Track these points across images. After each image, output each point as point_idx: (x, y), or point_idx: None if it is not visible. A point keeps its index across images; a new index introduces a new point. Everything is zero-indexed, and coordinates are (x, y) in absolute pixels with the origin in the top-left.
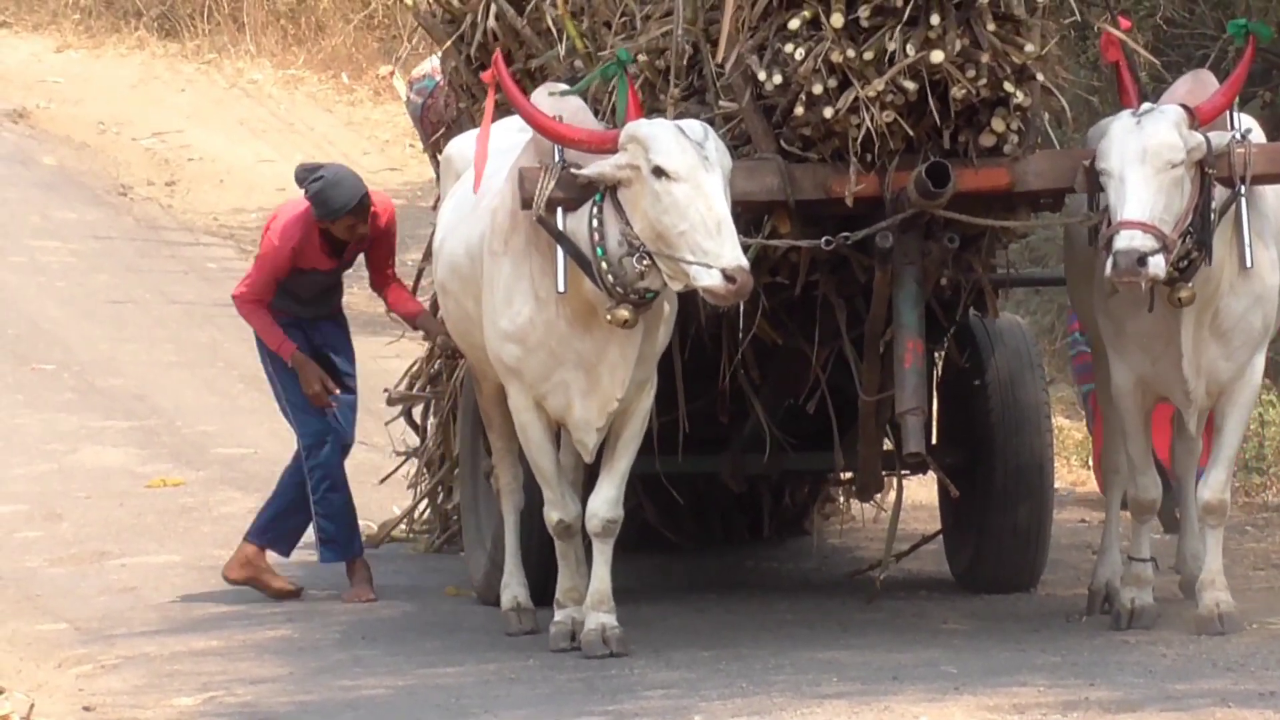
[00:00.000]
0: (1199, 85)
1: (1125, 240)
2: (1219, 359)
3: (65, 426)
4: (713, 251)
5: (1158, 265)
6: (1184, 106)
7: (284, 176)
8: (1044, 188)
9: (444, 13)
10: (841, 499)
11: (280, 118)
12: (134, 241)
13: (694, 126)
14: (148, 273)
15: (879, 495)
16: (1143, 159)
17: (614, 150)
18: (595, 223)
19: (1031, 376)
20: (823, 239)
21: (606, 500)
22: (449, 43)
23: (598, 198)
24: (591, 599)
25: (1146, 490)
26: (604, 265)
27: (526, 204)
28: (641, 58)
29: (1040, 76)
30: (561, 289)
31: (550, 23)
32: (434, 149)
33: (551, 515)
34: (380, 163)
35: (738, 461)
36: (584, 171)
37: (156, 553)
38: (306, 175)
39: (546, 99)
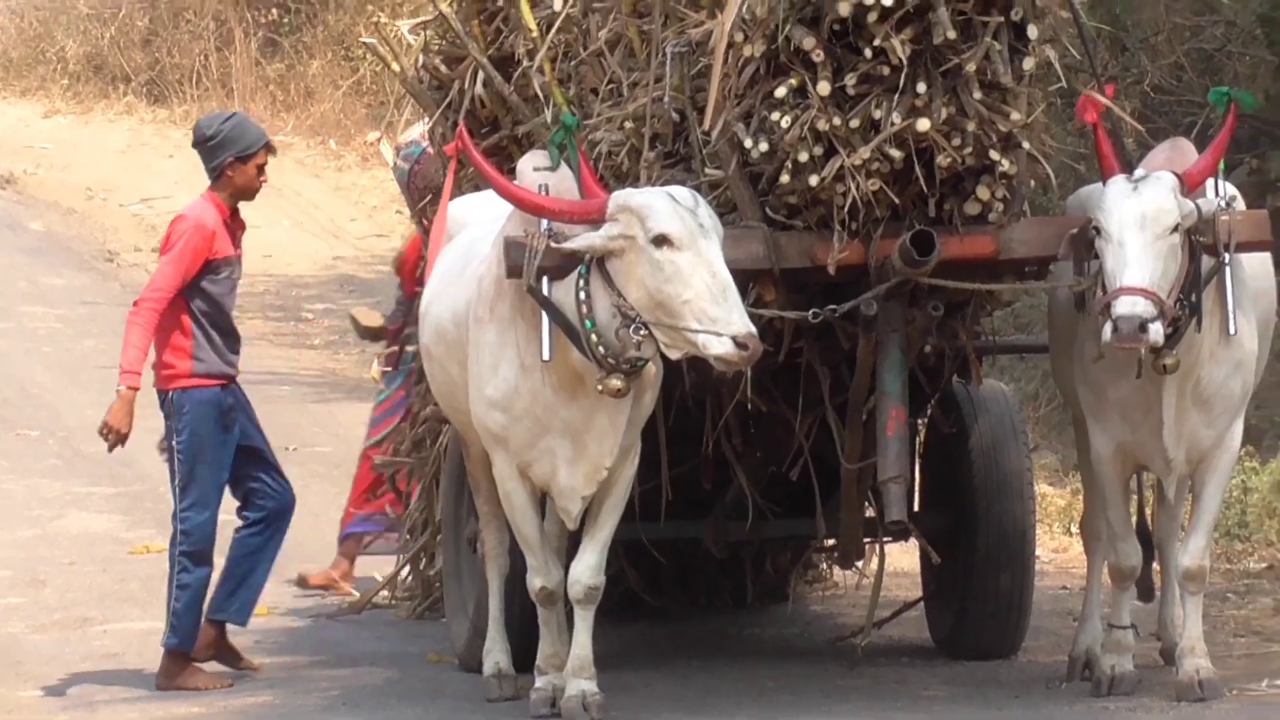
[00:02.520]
0: (1177, 152)
1: (1127, 306)
2: (1199, 426)
3: (50, 492)
4: (721, 319)
5: (1157, 332)
6: (1174, 173)
7: (270, 242)
8: (1029, 255)
9: (431, 79)
10: (824, 565)
11: (268, 183)
12: (121, 307)
13: (683, 193)
14: None
15: (861, 562)
16: (1142, 225)
17: (600, 220)
18: (582, 294)
19: (1014, 443)
20: (810, 312)
21: (589, 567)
22: (439, 111)
23: (583, 269)
24: (573, 665)
25: (1127, 557)
26: (594, 336)
27: (511, 272)
28: (628, 125)
29: (1026, 144)
30: (547, 356)
31: (537, 89)
32: (421, 215)
33: (534, 582)
34: (368, 229)
35: (720, 527)
36: (571, 244)
37: (140, 619)
38: (213, 123)
39: (533, 173)
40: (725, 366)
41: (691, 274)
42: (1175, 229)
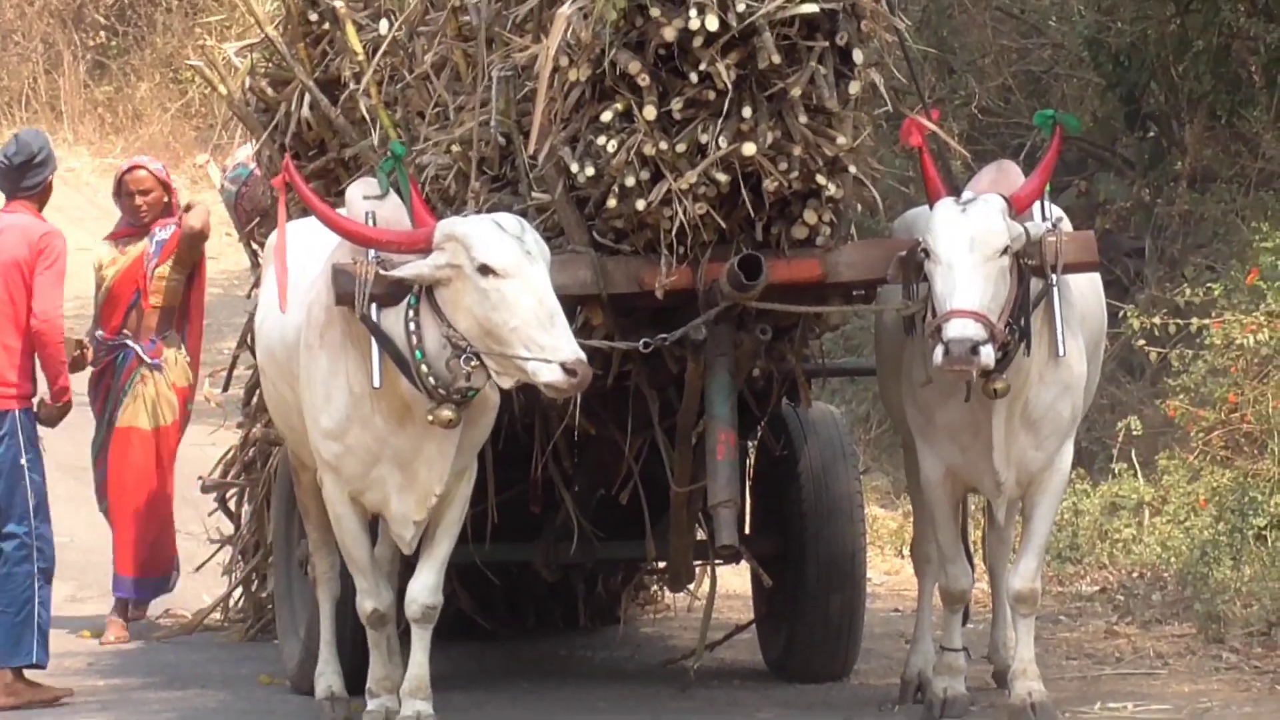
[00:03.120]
0: (1003, 175)
1: (958, 329)
2: (1029, 448)
3: None
4: (549, 345)
5: (989, 355)
6: (1002, 196)
7: None
8: (856, 278)
9: (258, 102)
10: (655, 588)
11: (98, 205)
12: None
13: (509, 220)
14: None
15: (692, 584)
16: (971, 247)
17: (427, 249)
18: (412, 324)
19: (844, 466)
20: (640, 341)
21: (426, 586)
22: (265, 134)
23: (412, 299)
24: (409, 685)
25: (957, 580)
26: (424, 367)
27: (340, 300)
28: (455, 148)
29: (853, 168)
30: (376, 384)
31: (364, 112)
32: (249, 237)
33: (365, 605)
34: None
35: (550, 550)
36: (398, 273)
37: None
38: (37, 139)
39: (361, 201)
40: (555, 393)
41: (518, 301)
42: (1004, 251)
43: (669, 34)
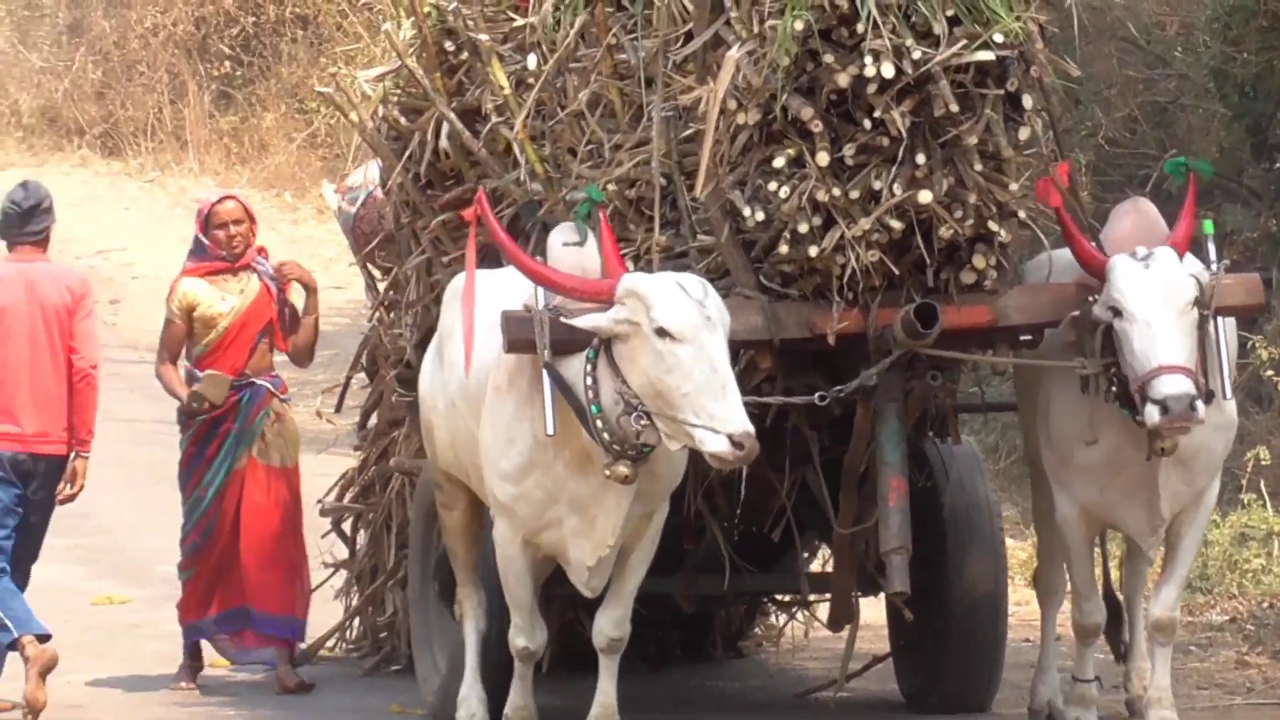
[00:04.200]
0: (1141, 214)
1: (1174, 385)
2: (1179, 484)
3: None
4: (719, 416)
5: (1202, 409)
6: (1171, 247)
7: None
8: (1025, 322)
9: (390, 130)
10: (775, 619)
11: None
12: None
13: (693, 283)
14: None
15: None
16: (1164, 301)
17: (609, 301)
18: (589, 379)
19: (985, 499)
20: (816, 395)
21: (612, 619)
22: (400, 163)
23: (591, 352)
24: (596, 713)
25: (1091, 615)
26: (598, 421)
27: (511, 347)
28: (611, 188)
29: (1022, 213)
30: (550, 431)
31: (513, 144)
32: (366, 259)
33: (518, 641)
34: (324, 280)
35: (690, 583)
36: (578, 322)
37: (100, 670)
38: (39, 189)
39: (561, 248)
40: (719, 464)
41: (693, 367)
42: (1194, 303)
43: (842, 80)
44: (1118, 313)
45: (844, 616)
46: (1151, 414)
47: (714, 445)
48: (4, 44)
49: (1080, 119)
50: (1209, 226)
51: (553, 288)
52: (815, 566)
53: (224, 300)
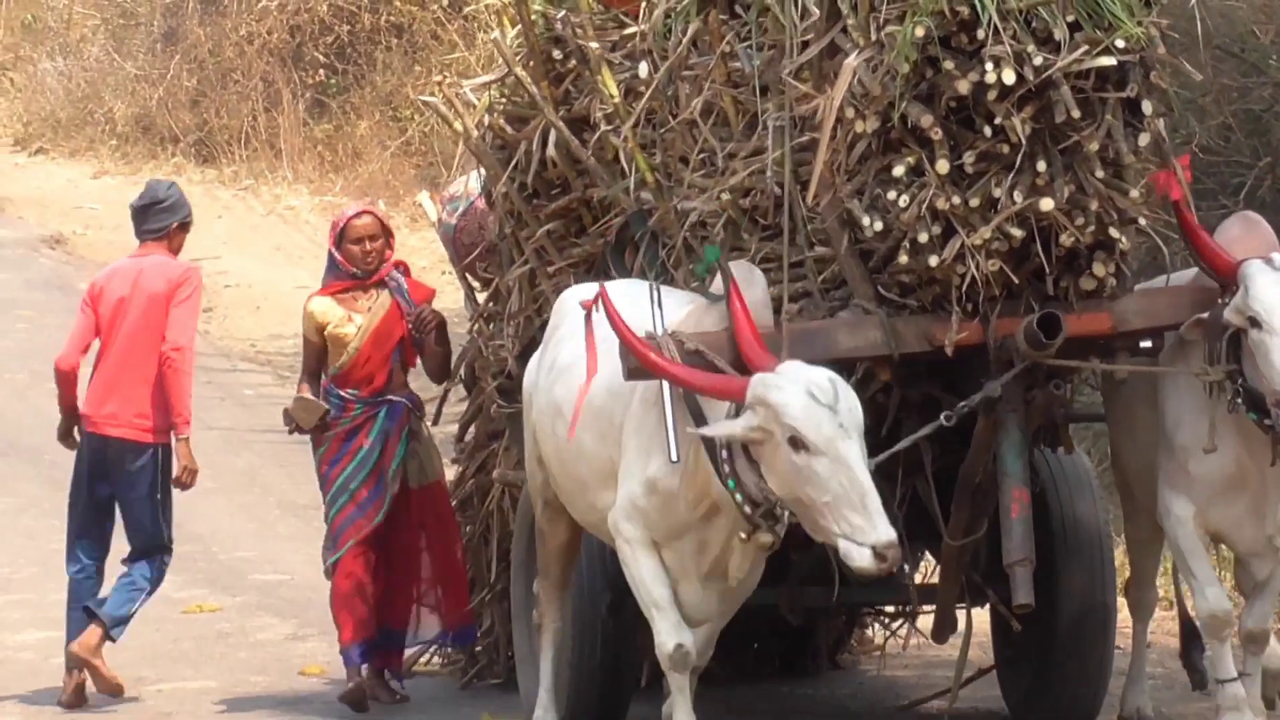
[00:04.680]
0: (1251, 227)
1: None
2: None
3: None
4: (861, 527)
5: None
6: None
7: None
8: (1145, 326)
9: (494, 139)
10: (872, 631)
11: (317, 244)
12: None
13: (823, 385)
14: None
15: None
16: None
17: (740, 400)
18: (725, 451)
19: (1095, 510)
20: (943, 415)
21: (699, 639)
22: (505, 172)
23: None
24: None
25: (1219, 602)
26: (738, 496)
27: (630, 374)
28: (725, 196)
29: (1142, 219)
30: (674, 458)
31: (621, 153)
32: (467, 269)
33: (667, 644)
34: None
35: (796, 594)
36: (709, 431)
37: (193, 679)
38: (161, 188)
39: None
40: (864, 575)
41: (829, 479)
42: None
43: (963, 87)
44: (1255, 323)
45: (949, 627)
46: None
47: (858, 559)
48: (99, 52)
49: (1175, 126)
50: None
51: (686, 386)
52: (916, 578)
53: (351, 320)
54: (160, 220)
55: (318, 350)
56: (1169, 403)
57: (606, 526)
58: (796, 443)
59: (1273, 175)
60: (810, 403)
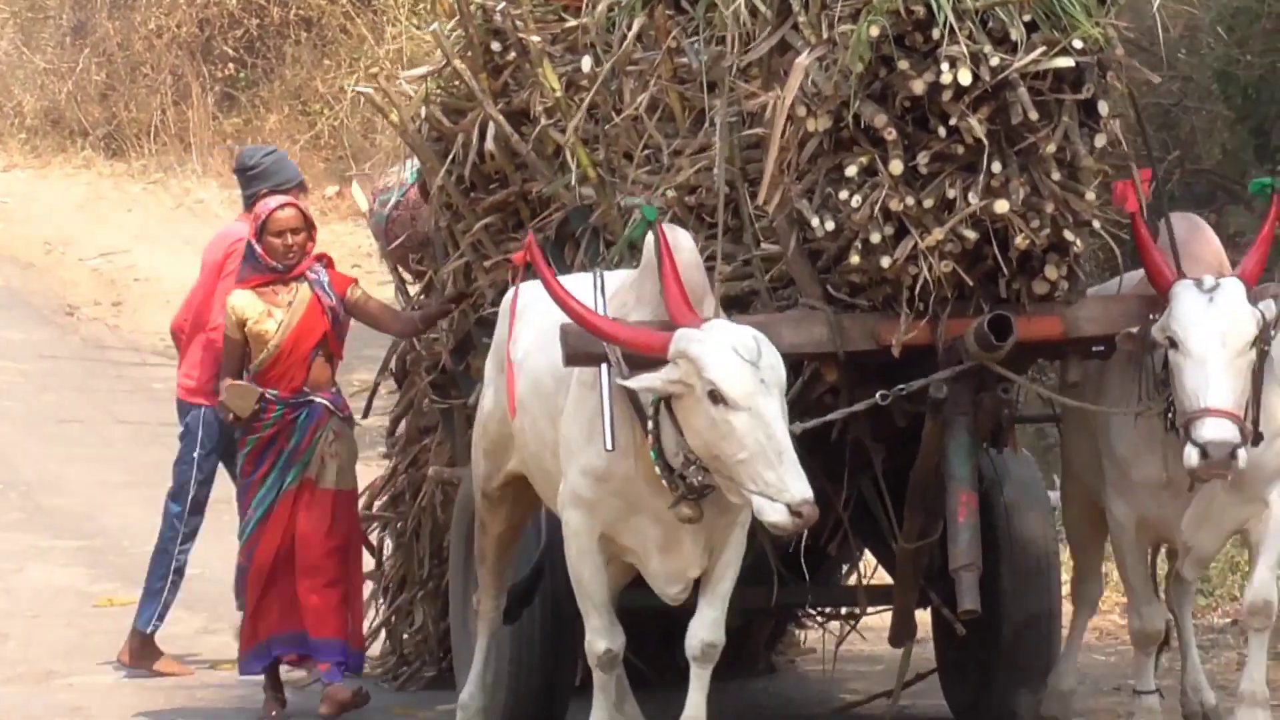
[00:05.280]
0: (1196, 232)
1: (1215, 430)
2: (1229, 505)
3: (12, 546)
4: (775, 484)
5: (1244, 458)
6: (1240, 278)
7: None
8: (1097, 333)
9: (431, 131)
10: (802, 633)
11: None
12: (81, 361)
13: (746, 342)
14: (94, 392)
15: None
16: (1223, 341)
17: (663, 358)
18: (651, 424)
19: (1039, 510)
20: (877, 394)
21: (707, 623)
22: (444, 165)
23: (654, 399)
24: None
25: (1151, 620)
26: (658, 466)
27: (569, 360)
28: (670, 194)
29: (1096, 223)
30: (608, 447)
31: (565, 148)
32: (399, 262)
33: (598, 645)
34: None
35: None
36: (630, 383)
37: (104, 673)
38: (254, 154)
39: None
40: (778, 532)
41: (747, 435)
42: (1253, 343)
43: (918, 87)
44: (1173, 343)
45: (906, 631)
46: (1190, 455)
47: (772, 515)
48: (8, 45)
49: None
50: None
51: (604, 338)
52: (851, 580)
53: (271, 315)
54: (245, 189)
55: (239, 346)
56: (1117, 423)
57: None
58: (716, 396)
59: (1181, 169)
60: (732, 357)
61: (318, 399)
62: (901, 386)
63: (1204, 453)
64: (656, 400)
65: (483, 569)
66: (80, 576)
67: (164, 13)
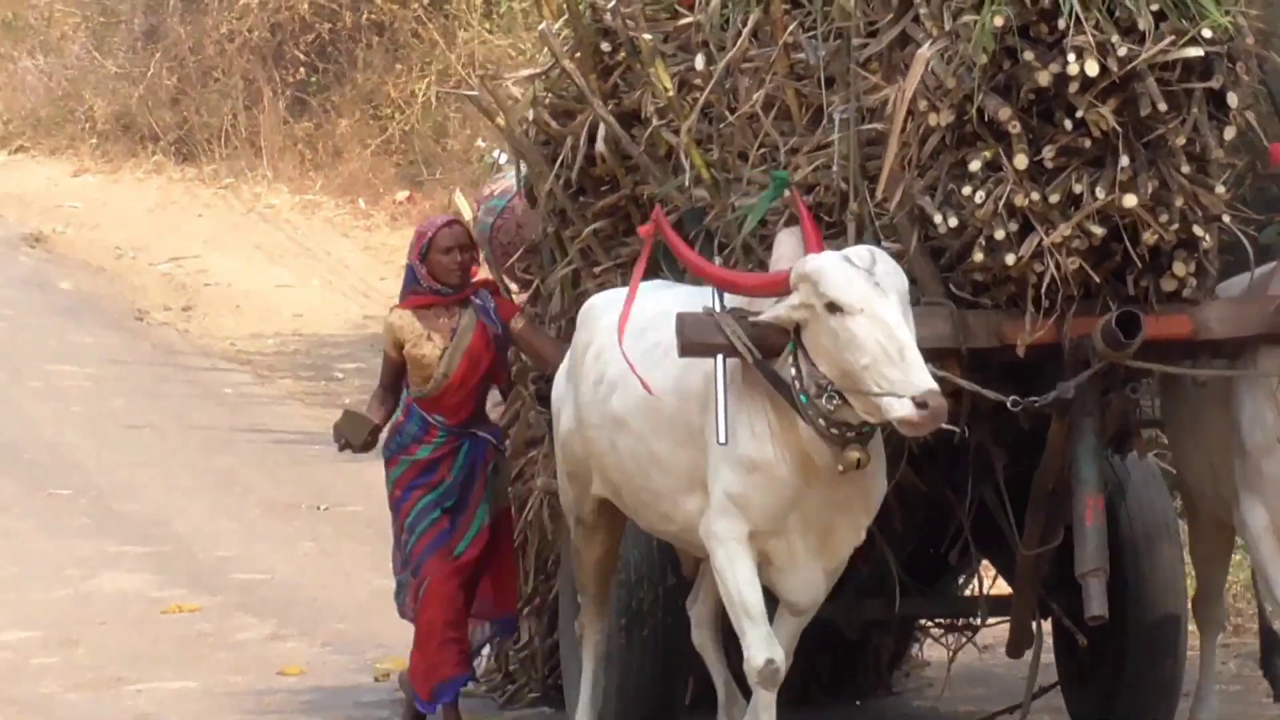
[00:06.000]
0: None
1: None
2: None
3: (81, 552)
4: (899, 380)
5: None
6: None
7: (301, 302)
8: (1227, 335)
9: (539, 134)
10: (921, 649)
11: (297, 242)
12: (151, 366)
13: (860, 252)
14: (165, 398)
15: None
16: None
17: (787, 291)
18: (794, 369)
19: (1166, 520)
20: (1010, 400)
21: (773, 638)
22: (555, 168)
23: (791, 345)
24: None
25: None
26: (811, 411)
27: (684, 350)
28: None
29: (1226, 217)
30: (722, 440)
31: (679, 149)
32: (504, 271)
33: (758, 658)
34: (398, 287)
35: (853, 607)
36: (760, 317)
37: (172, 679)
38: None
39: (793, 246)
40: (910, 429)
41: (866, 337)
42: None
43: (1043, 79)
44: None
45: (1024, 641)
46: None
47: (899, 410)
48: (80, 51)
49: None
50: None
51: (731, 288)
52: (969, 591)
53: (430, 339)
54: None
55: (396, 366)
56: (1243, 400)
57: (687, 535)
58: (833, 307)
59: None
60: (845, 266)
61: (481, 432)
62: (1033, 398)
63: None
64: (793, 349)
65: (584, 597)
66: (149, 583)
67: (235, 17)
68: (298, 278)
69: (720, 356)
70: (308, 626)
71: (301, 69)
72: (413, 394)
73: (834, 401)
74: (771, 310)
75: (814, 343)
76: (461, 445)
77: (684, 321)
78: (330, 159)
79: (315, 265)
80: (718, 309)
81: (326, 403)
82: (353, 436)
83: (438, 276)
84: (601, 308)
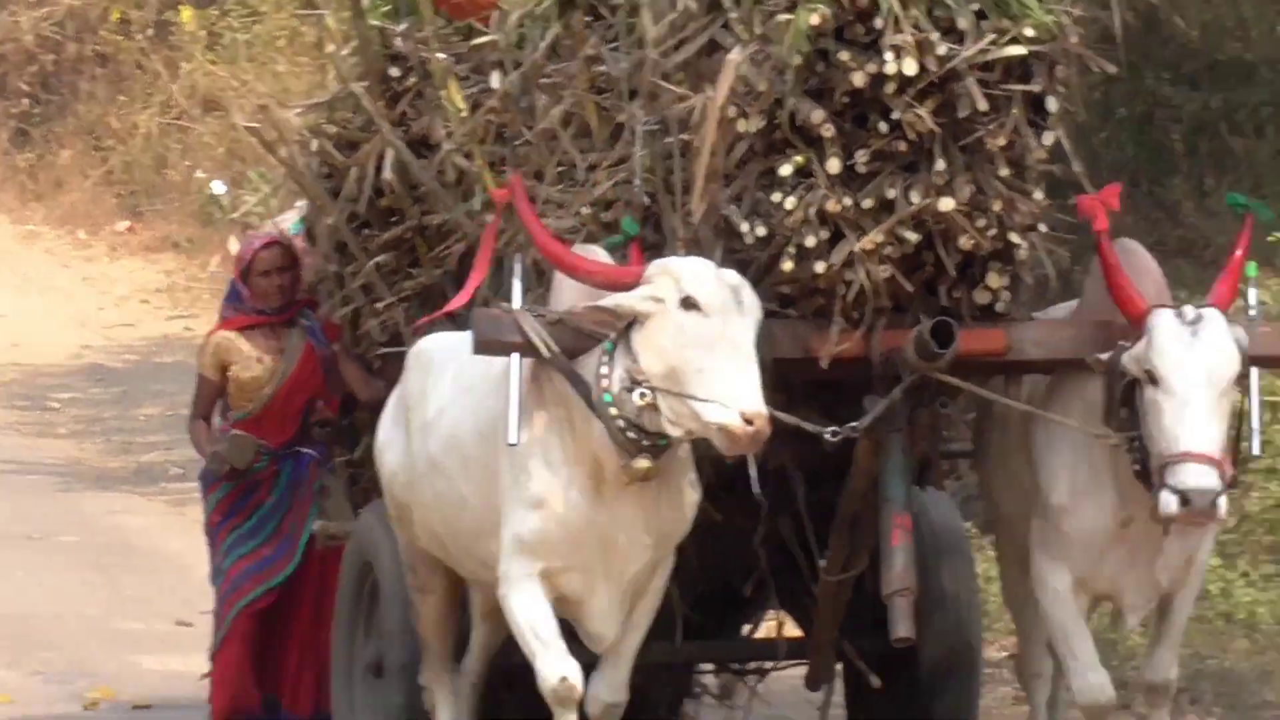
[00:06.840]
0: (1133, 259)
1: (1201, 478)
2: (1178, 553)
3: None
4: (730, 395)
5: (1224, 506)
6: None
7: (20, 331)
8: (1041, 358)
9: (321, 165)
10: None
11: (16, 272)
12: None
13: (731, 272)
14: None
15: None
16: (1208, 381)
17: (633, 286)
18: (604, 368)
19: (959, 547)
20: (829, 430)
21: (610, 684)
22: (341, 200)
23: (608, 344)
24: None
25: (1102, 690)
26: (612, 409)
27: (479, 348)
28: (585, 210)
29: (1043, 227)
30: (513, 440)
31: (468, 172)
32: None
33: (550, 678)
34: (116, 318)
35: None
36: (604, 302)
37: None
38: None
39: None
40: (727, 441)
41: (715, 343)
42: (1237, 380)
43: (859, 79)
44: (1153, 379)
45: (825, 673)
46: (1169, 503)
47: (722, 416)
48: None
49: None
50: (1253, 269)
51: (582, 276)
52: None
53: (261, 361)
54: None
55: (216, 389)
56: (1042, 454)
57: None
58: (690, 303)
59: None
60: (714, 273)
61: (306, 451)
62: (852, 425)
63: (1185, 500)
64: (611, 348)
65: (428, 654)
66: None
67: None
68: (16, 307)
69: (516, 356)
70: (17, 655)
71: (24, 100)
72: (234, 416)
73: (645, 399)
74: (618, 296)
75: (649, 338)
76: (282, 467)
77: (480, 318)
78: (51, 189)
79: (34, 294)
80: (516, 306)
81: (41, 432)
82: (238, 459)
83: (262, 299)
84: (432, 352)
